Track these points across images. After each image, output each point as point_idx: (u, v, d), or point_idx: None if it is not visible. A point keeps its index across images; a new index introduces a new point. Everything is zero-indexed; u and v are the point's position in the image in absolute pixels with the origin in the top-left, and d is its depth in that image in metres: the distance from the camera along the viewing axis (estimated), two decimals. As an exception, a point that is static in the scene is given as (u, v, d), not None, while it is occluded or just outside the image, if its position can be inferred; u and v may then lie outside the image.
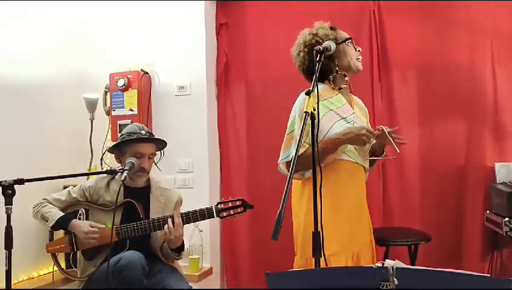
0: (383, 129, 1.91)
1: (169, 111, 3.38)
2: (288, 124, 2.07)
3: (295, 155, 1.49)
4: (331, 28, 2.10)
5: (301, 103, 2.01)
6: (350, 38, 2.09)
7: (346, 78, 2.07)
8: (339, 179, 1.95)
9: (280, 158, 2.05)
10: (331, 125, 1.95)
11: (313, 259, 1.90)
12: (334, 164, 1.94)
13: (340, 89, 2.07)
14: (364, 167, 2.09)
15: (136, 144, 2.33)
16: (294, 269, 1.93)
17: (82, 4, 3.49)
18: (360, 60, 2.09)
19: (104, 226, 2.27)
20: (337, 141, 1.89)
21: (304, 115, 1.53)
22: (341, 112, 2.01)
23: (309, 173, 1.96)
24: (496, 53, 2.99)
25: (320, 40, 2.00)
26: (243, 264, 3.45)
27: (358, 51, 2.09)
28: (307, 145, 1.92)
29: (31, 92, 3.04)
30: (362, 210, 2.10)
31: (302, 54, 2.11)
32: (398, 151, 1.88)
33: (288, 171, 2.03)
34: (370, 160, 2.13)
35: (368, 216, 2.17)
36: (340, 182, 1.95)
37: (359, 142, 1.92)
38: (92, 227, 2.25)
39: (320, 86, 2.03)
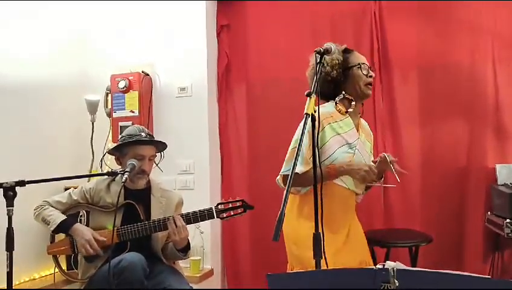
0: (385, 156, 1.92)
1: (170, 112, 3.38)
2: (295, 137, 2.02)
3: (293, 164, 1.47)
4: (346, 51, 2.04)
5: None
6: (360, 64, 2.02)
7: (353, 103, 2.03)
8: (331, 203, 1.85)
9: (282, 170, 2.02)
10: (335, 150, 1.96)
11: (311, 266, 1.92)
12: (327, 186, 1.85)
13: (346, 112, 2.04)
14: (356, 193, 2.08)
15: (137, 146, 2.33)
16: (294, 271, 1.92)
17: (82, 4, 3.50)
18: (370, 86, 2.04)
19: (104, 239, 2.26)
20: (341, 170, 1.92)
21: (305, 116, 1.52)
22: (347, 137, 2.00)
23: (305, 191, 1.99)
24: (497, 53, 2.99)
25: (326, 64, 1.98)
26: (243, 265, 3.45)
27: (370, 76, 2.03)
28: (311, 165, 1.91)
29: (31, 93, 3.04)
30: (353, 236, 2.07)
31: (310, 74, 2.09)
32: (398, 180, 1.88)
33: (284, 185, 2.02)
34: (366, 185, 2.12)
35: (362, 241, 2.13)
36: (332, 207, 1.85)
37: (359, 178, 1.92)
38: (94, 237, 2.23)
39: (330, 106, 2.04)
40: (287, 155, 2.02)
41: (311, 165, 1.90)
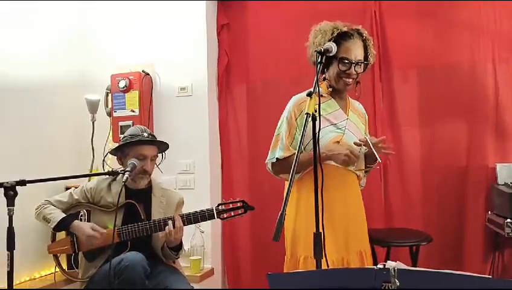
0: (366, 140, 1.89)
1: (171, 112, 3.38)
2: (278, 125, 2.07)
3: (296, 157, 1.48)
4: (343, 36, 1.95)
5: (292, 105, 2.02)
6: (340, 58, 1.94)
7: (330, 89, 2.02)
8: (325, 183, 1.72)
9: (267, 158, 2.07)
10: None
11: (301, 259, 1.91)
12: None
13: (322, 95, 1.96)
14: (356, 174, 2.04)
15: (139, 146, 2.33)
16: (295, 271, 1.92)
17: (83, 4, 3.50)
18: (347, 81, 1.96)
19: (105, 231, 2.27)
20: (322, 156, 1.84)
21: (305, 116, 1.53)
22: (331, 118, 1.98)
23: (298, 176, 1.97)
24: (497, 53, 2.99)
25: (314, 41, 2.00)
26: (244, 264, 3.45)
27: (347, 73, 1.95)
28: (293, 150, 1.94)
29: (32, 93, 3.05)
30: (351, 218, 2.01)
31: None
32: (379, 160, 1.87)
33: (272, 171, 2.07)
34: (369, 168, 2.09)
35: (361, 225, 2.09)
36: (326, 187, 1.72)
37: (340, 162, 1.88)
38: (94, 229, 2.26)
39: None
40: (272, 142, 2.06)
41: (292, 151, 1.94)
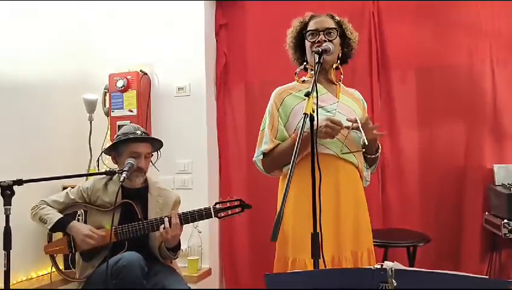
0: (356, 120, 1.77)
1: (169, 112, 3.38)
2: (262, 121, 2.02)
3: (293, 160, 1.43)
4: (311, 18, 2.00)
5: (273, 97, 2.00)
6: (306, 31, 1.94)
7: (312, 72, 1.96)
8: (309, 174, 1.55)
9: (254, 156, 1.98)
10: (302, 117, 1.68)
11: (289, 261, 1.85)
12: (308, 157, 1.59)
13: (304, 81, 1.98)
14: (354, 164, 1.89)
15: (132, 144, 2.33)
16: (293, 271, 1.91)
17: (82, 4, 3.50)
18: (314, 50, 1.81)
19: (103, 233, 2.27)
20: (305, 135, 1.57)
21: (303, 116, 1.51)
22: (319, 102, 1.77)
23: (286, 168, 1.91)
24: (495, 54, 3.00)
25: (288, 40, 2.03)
26: (241, 265, 3.45)
27: (314, 42, 1.90)
28: (277, 142, 1.90)
29: (30, 92, 3.04)
30: (342, 214, 1.86)
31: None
32: (366, 143, 1.72)
33: (264, 168, 1.97)
34: (369, 159, 1.96)
35: (354, 222, 1.92)
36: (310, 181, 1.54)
37: (323, 135, 1.73)
38: (91, 231, 2.25)
39: (294, 82, 2.02)
40: (258, 140, 1.99)
41: (276, 143, 1.90)
